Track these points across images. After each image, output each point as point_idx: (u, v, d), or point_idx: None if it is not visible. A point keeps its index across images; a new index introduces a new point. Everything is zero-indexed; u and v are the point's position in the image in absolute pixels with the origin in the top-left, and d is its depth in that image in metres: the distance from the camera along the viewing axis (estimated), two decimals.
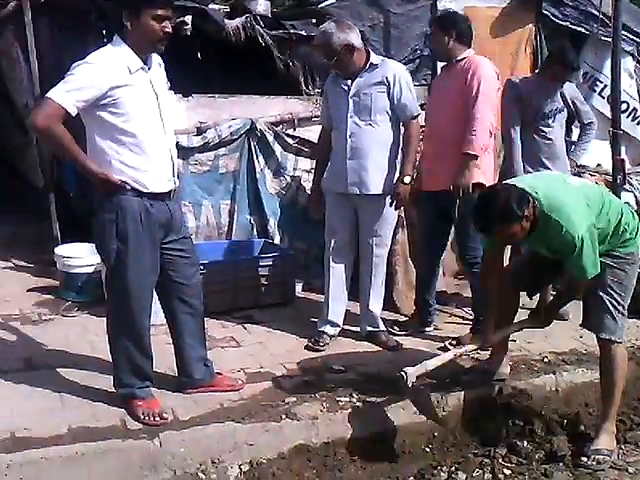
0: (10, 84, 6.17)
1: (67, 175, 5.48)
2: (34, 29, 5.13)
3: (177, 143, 3.33)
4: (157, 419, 3.01)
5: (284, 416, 3.13)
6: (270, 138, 5.02)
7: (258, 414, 3.13)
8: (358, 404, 3.29)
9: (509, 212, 2.86)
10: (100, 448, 2.82)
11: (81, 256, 4.50)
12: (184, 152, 4.53)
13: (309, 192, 4.44)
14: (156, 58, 3.03)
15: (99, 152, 2.87)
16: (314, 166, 4.26)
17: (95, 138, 2.88)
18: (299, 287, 4.78)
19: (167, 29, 2.86)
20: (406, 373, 3.12)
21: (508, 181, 3.25)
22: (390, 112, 3.75)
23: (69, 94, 2.72)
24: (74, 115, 2.77)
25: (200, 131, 4.86)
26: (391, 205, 3.79)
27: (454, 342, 3.90)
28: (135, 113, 2.87)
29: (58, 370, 3.47)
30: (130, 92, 2.84)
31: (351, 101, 3.72)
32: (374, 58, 3.77)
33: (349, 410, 3.24)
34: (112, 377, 3.17)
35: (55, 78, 5.01)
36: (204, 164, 4.87)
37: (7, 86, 6.29)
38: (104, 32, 5.05)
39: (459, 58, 3.79)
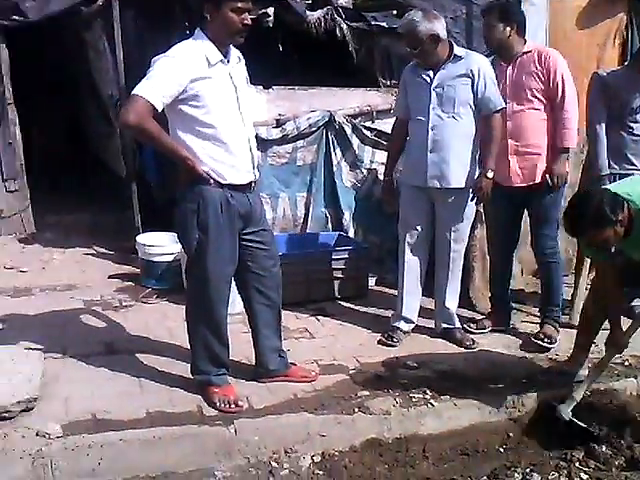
0: (97, 75, 6.39)
1: (148, 165, 5.63)
2: (120, 22, 5.25)
3: (256, 135, 3.36)
4: (232, 406, 3.07)
5: (357, 409, 3.13)
6: (348, 130, 5.01)
7: (331, 406, 3.14)
8: (432, 401, 3.25)
9: (602, 216, 2.77)
10: (176, 433, 2.89)
11: (161, 245, 4.61)
12: (263, 144, 4.57)
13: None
14: (235, 52, 3.06)
15: (181, 144, 2.93)
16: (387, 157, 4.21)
17: (177, 131, 2.94)
18: (372, 281, 4.76)
19: (246, 21, 2.89)
20: (560, 412, 3.15)
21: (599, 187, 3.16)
22: (473, 105, 3.68)
23: (155, 90, 2.78)
24: (160, 110, 2.83)
25: (279, 123, 4.90)
26: (472, 200, 3.73)
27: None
28: (214, 105, 2.91)
29: (137, 355, 3.57)
30: (209, 85, 2.88)
31: (434, 93, 3.66)
32: (458, 50, 3.70)
33: (422, 407, 3.22)
34: (189, 364, 3.25)
35: (139, 70, 5.19)
36: (282, 156, 4.90)
37: (94, 77, 6.51)
38: (187, 24, 5.17)
39: (525, 51, 3.74)
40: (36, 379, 3.11)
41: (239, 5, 2.85)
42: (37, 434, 2.80)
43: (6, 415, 2.88)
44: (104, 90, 6.18)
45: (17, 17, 5.59)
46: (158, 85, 2.79)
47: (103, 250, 5.48)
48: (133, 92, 2.79)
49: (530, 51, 3.76)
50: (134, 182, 5.32)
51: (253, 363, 3.41)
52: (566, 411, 3.16)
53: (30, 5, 5.58)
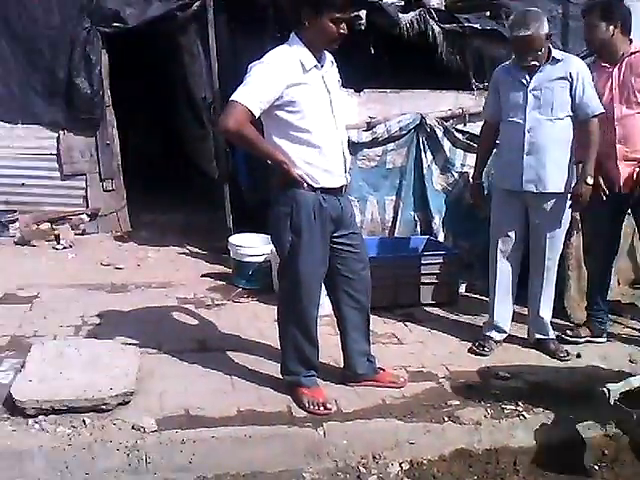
0: (191, 79, 6.58)
1: (239, 168, 5.75)
2: (214, 26, 5.38)
3: (347, 139, 3.36)
4: (321, 409, 3.08)
5: (446, 418, 3.09)
6: (439, 133, 4.95)
7: (420, 414, 3.11)
8: (524, 413, 3.16)
9: None
10: (267, 432, 2.93)
11: (253, 246, 4.71)
12: (353, 147, 4.55)
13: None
14: (328, 56, 3.07)
15: (276, 149, 2.96)
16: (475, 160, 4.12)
17: (272, 135, 2.98)
18: (462, 287, 4.68)
19: (343, 31, 2.91)
20: (609, 390, 2.98)
21: None
22: (570, 109, 3.56)
23: (252, 96, 2.81)
24: (257, 116, 2.87)
25: (370, 126, 4.90)
26: (570, 206, 3.61)
27: None
28: (309, 110, 2.93)
29: (229, 353, 3.64)
30: (304, 90, 2.90)
31: (531, 95, 3.56)
32: (556, 52, 3.59)
33: (514, 418, 3.13)
34: (279, 364, 3.28)
35: (232, 74, 5.30)
36: (372, 159, 4.90)
37: (188, 80, 6.71)
38: (278, 28, 5.24)
39: (633, 51, 3.59)
40: (132, 373, 3.21)
41: (338, 15, 2.86)
42: (133, 427, 2.90)
43: (104, 407, 2.99)
44: (198, 93, 6.35)
45: (117, 24, 5.85)
46: (255, 92, 2.83)
47: (196, 249, 5.63)
48: (231, 98, 2.83)
49: (638, 51, 3.59)
50: (227, 184, 5.44)
51: (341, 366, 3.41)
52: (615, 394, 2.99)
53: (130, 12, 5.84)
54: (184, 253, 5.59)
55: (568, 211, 3.67)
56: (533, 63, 3.52)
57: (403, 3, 5.71)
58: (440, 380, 3.45)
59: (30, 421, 2.91)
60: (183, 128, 8.07)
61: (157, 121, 8.64)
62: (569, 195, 3.61)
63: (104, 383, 3.08)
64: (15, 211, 6.08)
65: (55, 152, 6.13)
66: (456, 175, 5.00)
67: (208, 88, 5.79)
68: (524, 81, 3.58)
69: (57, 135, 6.11)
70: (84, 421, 2.92)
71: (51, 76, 6.00)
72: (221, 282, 4.84)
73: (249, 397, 3.20)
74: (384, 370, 3.40)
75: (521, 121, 3.59)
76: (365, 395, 3.25)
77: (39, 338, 3.76)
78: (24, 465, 2.76)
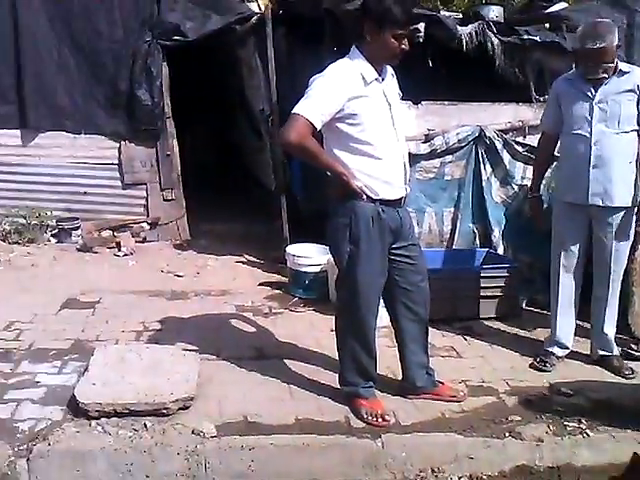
0: (248, 91, 6.68)
1: (295, 179, 5.80)
2: (272, 39, 5.45)
3: None
4: (380, 420, 3.06)
5: (507, 434, 3.02)
6: (499, 146, 4.90)
7: (480, 428, 3.06)
8: (587, 431, 3.08)
9: None
10: (325, 442, 2.93)
11: (309, 256, 4.74)
12: (411, 159, 4.53)
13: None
14: (389, 69, 3.08)
15: (336, 160, 2.97)
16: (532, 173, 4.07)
17: (332, 147, 2.99)
18: (523, 301, 4.59)
19: (405, 47, 2.91)
20: None
21: None
22: (636, 122, 3.48)
23: (314, 109, 2.83)
24: (319, 129, 2.89)
25: (428, 138, 4.88)
26: (638, 221, 3.52)
27: None
28: (370, 123, 2.93)
29: (286, 361, 3.65)
30: (365, 103, 2.91)
31: (596, 107, 3.49)
32: (622, 65, 3.52)
33: (577, 436, 3.05)
34: (337, 374, 3.28)
35: (289, 86, 5.36)
36: (430, 171, 4.88)
37: (245, 93, 6.81)
38: (335, 41, 5.27)
39: None
40: (193, 379, 3.25)
41: (400, 32, 2.87)
42: (193, 432, 2.93)
43: (164, 412, 3.04)
44: (255, 106, 6.45)
45: (178, 37, 6.00)
46: (317, 104, 2.84)
47: (253, 258, 5.70)
48: (293, 111, 2.85)
49: None
50: (284, 195, 5.49)
51: (399, 378, 3.39)
52: None
53: (190, 26, 5.99)
54: (242, 262, 5.66)
55: (633, 225, 3.59)
56: (603, 75, 3.45)
57: (462, 16, 5.70)
58: (500, 395, 3.38)
59: (93, 423, 2.98)
60: (241, 140, 8.19)
61: (215, 133, 8.78)
62: (635, 209, 3.52)
63: (165, 388, 3.13)
64: (78, 219, 6.26)
65: (117, 162, 6.30)
66: (516, 187, 4.92)
67: (266, 101, 5.87)
68: (589, 94, 3.51)
69: (119, 145, 6.29)
70: (145, 425, 2.97)
71: (113, 88, 6.19)
72: (278, 291, 4.89)
73: (307, 406, 3.20)
74: (443, 383, 3.36)
75: (587, 134, 3.52)
76: (424, 408, 3.21)
77: (101, 342, 3.86)
78: (87, 466, 2.82)
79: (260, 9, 6.17)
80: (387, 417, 3.08)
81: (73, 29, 6.11)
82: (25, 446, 2.83)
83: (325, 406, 3.20)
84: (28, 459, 2.79)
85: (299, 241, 5.05)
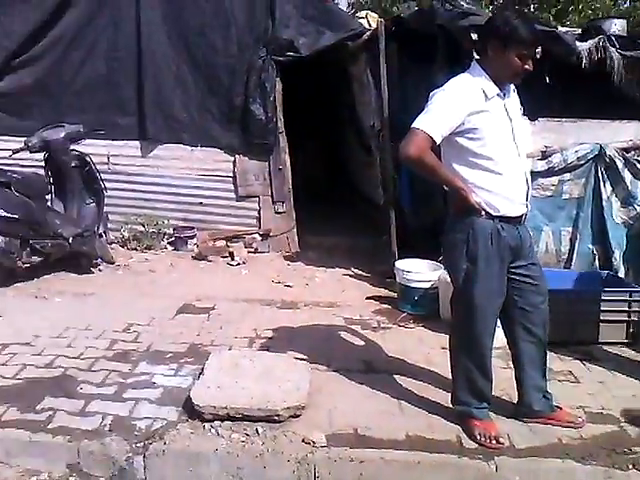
0: (359, 107, 6.73)
1: (403, 195, 5.77)
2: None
3: None
4: (493, 442, 2.98)
5: (630, 466, 2.86)
6: (620, 165, 4.71)
7: (600, 457, 2.91)
8: None
9: None
10: (436, 460, 2.88)
11: (419, 271, 4.69)
12: None
13: None
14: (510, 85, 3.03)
15: (455, 175, 2.94)
16: None
17: (451, 162, 2.96)
18: None
19: (528, 67, 2.86)
20: None
21: None
22: None
23: (434, 123, 2.82)
24: (438, 143, 2.87)
25: (545, 155, 4.76)
26: None
27: None
28: (491, 138, 2.89)
29: (395, 376, 3.62)
30: (486, 118, 2.87)
31: None
32: None
33: None
34: (448, 392, 3.23)
35: (400, 102, 5.35)
36: (547, 189, 4.75)
37: (356, 109, 6.86)
38: (447, 58, 5.24)
39: None
40: (304, 388, 3.28)
41: (525, 52, 2.83)
42: (303, 441, 2.96)
43: (276, 419, 3.08)
44: (366, 121, 6.48)
45: (291, 53, 6.13)
46: (437, 119, 2.83)
47: (360, 272, 5.72)
48: (413, 125, 2.85)
49: None
50: (392, 210, 5.48)
51: (513, 401, 3.28)
52: None
53: (303, 42, 6.11)
54: (349, 275, 5.70)
55: None
56: None
57: (580, 31, 5.52)
58: (622, 424, 3.21)
59: (207, 425, 3.06)
60: (349, 155, 8.25)
61: (325, 148, 8.89)
62: None
63: (277, 395, 3.18)
64: (194, 228, 6.50)
65: (231, 174, 6.49)
66: (638, 208, 4.71)
67: (376, 116, 5.89)
68: None
69: (233, 159, 6.48)
70: (257, 430, 3.03)
71: (228, 102, 6.39)
72: (386, 305, 4.87)
73: (418, 422, 3.16)
74: (561, 408, 3.23)
75: None
76: (539, 432, 3.10)
77: (216, 347, 3.97)
78: (200, 467, 2.90)
79: (370, 25, 6.24)
80: (501, 439, 2.99)
81: (190, 45, 6.36)
82: (142, 444, 2.95)
83: (436, 424, 3.15)
84: (144, 456, 2.91)
85: (406, 256, 5.02)
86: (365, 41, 6.00)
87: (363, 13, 7.19)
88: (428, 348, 4.03)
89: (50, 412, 3.17)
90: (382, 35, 5.46)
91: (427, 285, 4.58)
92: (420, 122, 2.84)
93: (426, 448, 2.95)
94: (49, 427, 3.04)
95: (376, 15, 7.14)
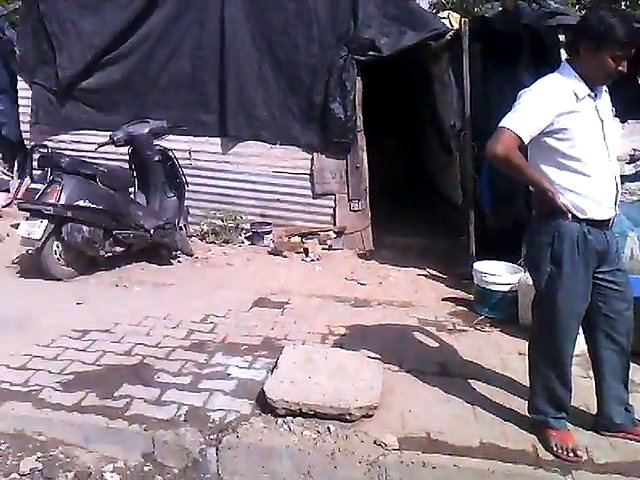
0: (440, 107, 6.63)
1: (483, 196, 5.66)
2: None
3: None
4: (570, 455, 2.88)
5: None
6: None
7: None
8: None
9: None
10: (511, 471, 2.81)
11: (499, 274, 4.59)
12: None
13: None
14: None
15: (542, 176, 2.86)
16: None
17: (538, 163, 2.89)
18: None
19: (622, 68, 2.75)
20: None
21: None
22: None
23: (522, 123, 2.76)
24: (527, 143, 2.81)
25: (633, 159, 4.57)
26: None
27: None
28: (580, 139, 2.80)
29: (470, 381, 3.55)
30: (576, 119, 2.78)
31: None
32: None
33: None
34: (524, 400, 3.15)
35: (482, 102, 5.23)
36: (634, 193, 4.58)
37: (437, 109, 6.77)
38: (532, 57, 5.10)
39: None
40: (377, 388, 3.26)
41: (620, 53, 2.72)
42: (375, 442, 2.94)
43: (348, 418, 3.07)
44: (446, 121, 6.39)
45: (372, 53, 6.11)
46: (525, 119, 2.77)
47: (436, 272, 5.65)
48: (500, 125, 2.80)
49: None
50: (472, 210, 5.38)
51: (592, 412, 3.16)
52: None
53: (384, 41, 6.08)
54: (424, 275, 5.63)
55: None
56: None
57: None
58: None
59: (279, 420, 3.08)
60: (429, 155, 8.15)
61: (403, 147, 8.82)
62: None
63: (350, 393, 3.17)
64: (270, 223, 6.59)
65: (308, 172, 6.54)
66: None
67: (458, 116, 5.80)
68: None
69: (311, 156, 6.52)
70: (329, 428, 3.03)
71: (308, 101, 6.42)
72: (462, 308, 4.78)
73: (492, 430, 3.08)
74: None
75: None
76: (621, 447, 2.97)
77: (290, 342, 3.99)
78: (271, 463, 2.93)
79: (452, 26, 6.15)
80: (579, 452, 2.89)
81: (273, 44, 6.42)
82: (215, 436, 3.00)
83: (511, 432, 3.07)
84: (217, 449, 2.96)
85: (484, 258, 4.91)
86: (448, 41, 5.92)
87: (445, 13, 7.11)
88: (505, 353, 3.94)
89: (127, 399, 3.27)
90: (466, 35, 5.38)
91: (506, 288, 4.47)
92: (508, 121, 2.79)
93: (500, 457, 2.88)
94: (126, 414, 3.13)
95: (458, 15, 7.05)
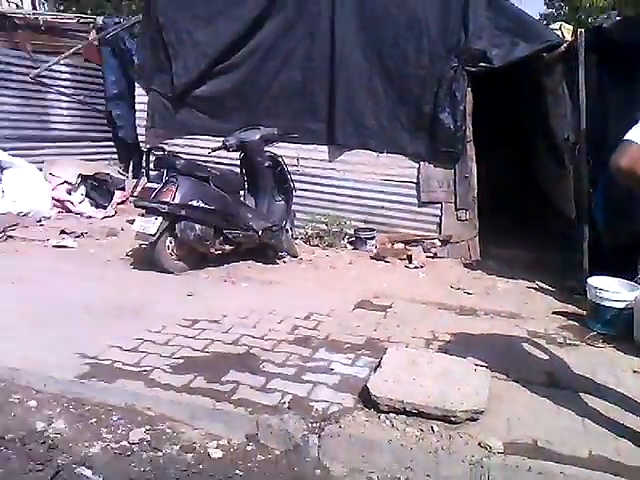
0: (553, 120, 6.46)
1: (597, 210, 5.47)
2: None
3: None
4: None
5: None
6: None
7: None
8: None
9: None
10: None
11: (614, 290, 4.42)
12: None
13: None
14: None
15: None
16: None
17: None
18: None
19: None
20: None
21: None
22: None
23: None
24: None
25: None
26: None
27: None
28: None
29: (581, 394, 3.42)
30: None
31: None
32: None
33: None
34: None
35: (597, 114, 5.06)
36: None
37: (549, 121, 6.60)
38: None
39: None
40: (484, 393, 3.21)
41: None
42: (479, 444, 2.89)
43: (452, 419, 3.04)
44: (560, 134, 6.22)
45: (484, 64, 6.05)
46: None
47: (545, 286, 5.49)
48: (625, 137, 2.72)
49: None
50: (586, 225, 5.21)
51: None
52: None
53: (496, 53, 6.03)
54: (533, 288, 5.48)
55: None
56: None
57: None
58: None
59: (382, 416, 3.09)
60: (539, 167, 7.95)
61: (513, 158, 8.65)
62: None
63: (455, 396, 3.14)
64: (374, 229, 6.63)
65: (415, 180, 6.55)
66: None
67: (572, 129, 5.64)
68: None
69: (418, 165, 6.53)
70: (432, 428, 3.01)
71: (417, 111, 6.44)
72: (573, 322, 4.61)
73: (603, 444, 2.96)
74: None
75: None
76: None
77: (392, 344, 3.98)
78: (372, 455, 2.94)
79: (563, 36, 6.00)
80: None
81: (383, 56, 6.49)
82: (318, 424, 3.05)
83: (624, 448, 2.93)
84: (319, 436, 3.00)
85: (597, 273, 4.73)
86: (562, 52, 5.79)
87: (557, 25, 6.94)
88: (619, 370, 3.77)
89: (234, 385, 3.37)
90: (581, 46, 5.24)
91: (622, 305, 4.29)
92: (633, 134, 2.70)
93: (610, 470, 2.76)
94: (232, 398, 3.23)
95: (570, 27, 6.89)
